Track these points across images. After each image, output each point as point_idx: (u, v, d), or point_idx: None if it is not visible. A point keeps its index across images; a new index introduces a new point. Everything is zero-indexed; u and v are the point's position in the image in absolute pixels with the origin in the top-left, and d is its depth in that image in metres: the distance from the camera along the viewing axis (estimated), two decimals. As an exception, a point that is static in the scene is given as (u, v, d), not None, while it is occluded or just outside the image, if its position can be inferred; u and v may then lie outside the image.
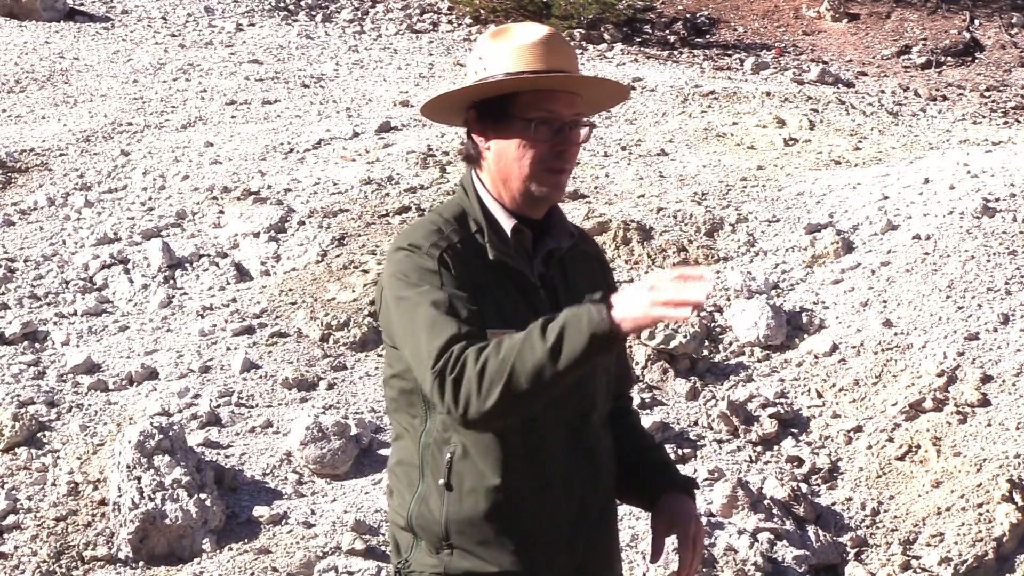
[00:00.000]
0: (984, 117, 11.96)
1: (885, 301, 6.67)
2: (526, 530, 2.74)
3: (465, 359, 2.50)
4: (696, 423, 5.96)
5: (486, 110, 2.73)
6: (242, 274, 7.01)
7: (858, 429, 5.90)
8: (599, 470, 2.84)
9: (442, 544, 2.74)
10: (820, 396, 6.14)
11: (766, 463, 5.75)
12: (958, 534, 5.29)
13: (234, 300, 6.69)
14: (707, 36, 14.79)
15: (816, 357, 6.37)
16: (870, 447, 5.80)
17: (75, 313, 6.50)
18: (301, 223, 7.37)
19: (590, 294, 2.55)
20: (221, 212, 7.60)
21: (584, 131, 2.78)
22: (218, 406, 5.76)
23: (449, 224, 2.72)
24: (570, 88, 2.74)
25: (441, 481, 2.70)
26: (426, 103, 2.83)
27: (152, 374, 6.01)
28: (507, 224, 2.75)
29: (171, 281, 6.86)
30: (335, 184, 7.92)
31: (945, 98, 12.80)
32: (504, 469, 2.69)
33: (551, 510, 2.75)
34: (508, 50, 2.70)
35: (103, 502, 5.02)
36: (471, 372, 2.49)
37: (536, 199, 2.74)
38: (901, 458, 5.74)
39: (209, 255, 7.12)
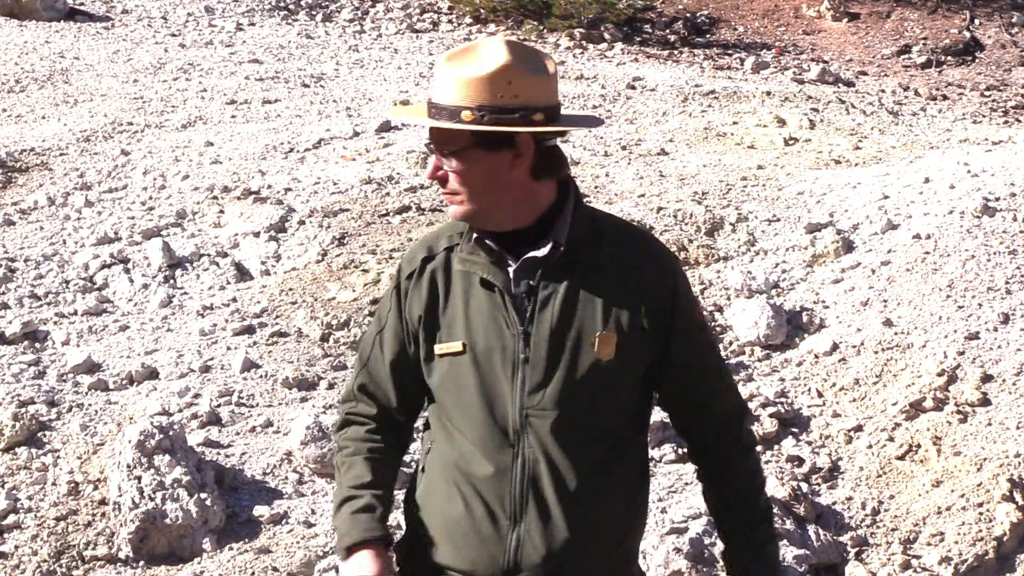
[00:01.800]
0: (984, 116, 11.96)
1: (885, 300, 6.67)
2: (463, 526, 2.85)
3: (339, 439, 3.01)
4: (696, 422, 5.96)
5: None
6: (242, 274, 7.01)
7: (858, 428, 5.90)
8: (539, 486, 2.80)
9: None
10: (820, 395, 6.14)
11: (766, 462, 5.75)
12: (958, 533, 5.29)
13: (234, 300, 6.69)
14: (707, 36, 14.79)
15: (816, 356, 6.37)
16: (870, 446, 5.80)
17: (75, 313, 6.50)
18: (301, 223, 7.37)
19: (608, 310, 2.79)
20: (221, 212, 7.60)
21: (452, 161, 2.78)
22: (218, 406, 5.76)
23: (448, 231, 2.93)
24: (417, 123, 2.99)
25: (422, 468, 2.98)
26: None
27: (152, 374, 6.01)
28: (473, 233, 2.84)
29: (171, 281, 6.86)
30: (335, 184, 7.92)
31: (945, 97, 12.80)
32: (458, 465, 2.84)
33: (489, 512, 2.82)
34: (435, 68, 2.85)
35: (103, 502, 5.02)
36: (335, 450, 3.03)
37: None
38: (901, 457, 5.74)
39: (209, 255, 7.12)
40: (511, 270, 2.80)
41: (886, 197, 7.59)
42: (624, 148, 8.83)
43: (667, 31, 14.68)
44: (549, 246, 2.79)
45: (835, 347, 6.40)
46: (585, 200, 2.91)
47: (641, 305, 2.80)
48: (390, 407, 2.95)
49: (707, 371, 2.92)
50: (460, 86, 2.73)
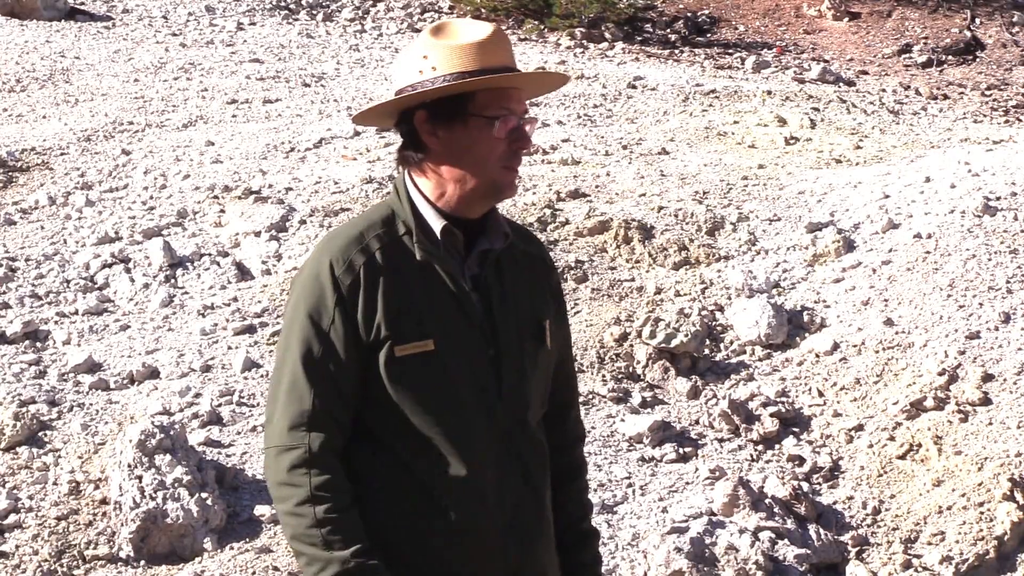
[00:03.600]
0: (985, 116, 11.96)
1: (886, 300, 6.66)
2: (454, 535, 2.71)
3: (298, 487, 2.61)
4: (697, 422, 5.96)
5: (438, 110, 2.68)
6: (243, 273, 7.01)
7: (859, 428, 5.90)
8: (531, 475, 2.79)
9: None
10: (821, 395, 6.13)
11: (767, 462, 5.75)
12: (959, 533, 5.29)
13: (235, 299, 6.69)
14: (708, 35, 14.79)
15: (817, 356, 6.37)
16: (871, 446, 5.80)
17: (76, 312, 6.51)
18: (302, 222, 7.37)
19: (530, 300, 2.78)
20: (222, 211, 7.60)
21: (529, 127, 2.76)
22: (219, 405, 5.76)
23: (373, 229, 2.71)
24: (519, 84, 2.74)
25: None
26: (362, 112, 2.82)
27: (153, 373, 6.01)
28: (437, 225, 2.71)
29: (172, 280, 6.86)
30: (336, 183, 7.92)
31: (946, 97, 12.80)
32: (433, 472, 2.69)
33: (482, 516, 2.72)
34: (456, 49, 2.67)
35: (104, 501, 5.02)
36: (289, 506, 2.63)
37: (496, 196, 2.74)
38: (902, 457, 5.73)
39: (210, 254, 7.12)
40: (466, 262, 2.75)
41: (887, 196, 7.59)
42: (625, 147, 8.83)
43: (668, 30, 14.69)
44: (502, 237, 2.77)
45: (836, 346, 6.40)
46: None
47: (550, 297, 2.90)
48: (344, 427, 2.68)
49: (570, 366, 3.01)
50: (510, 50, 2.75)
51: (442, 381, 2.68)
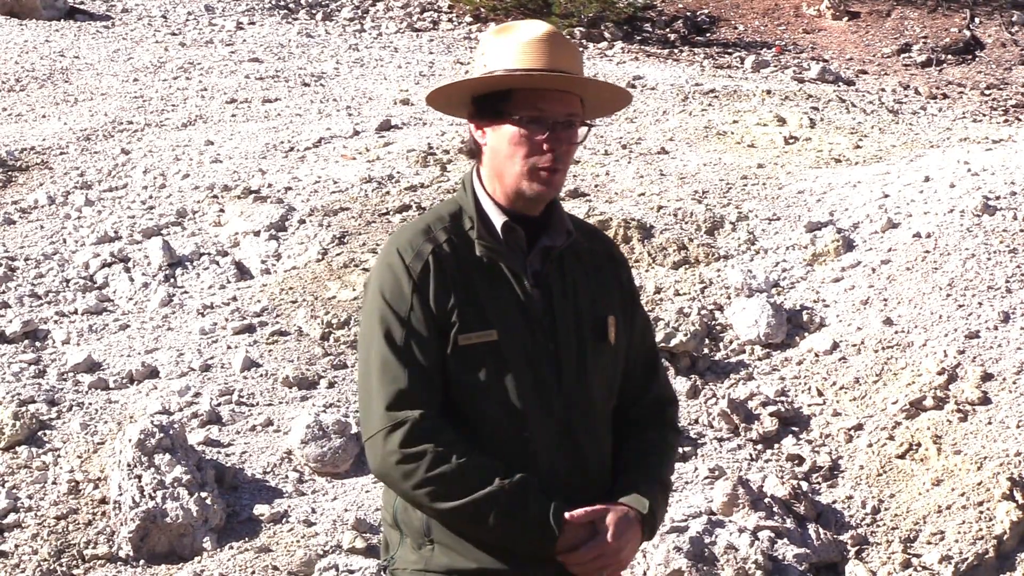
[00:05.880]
0: (984, 115, 11.96)
1: (886, 299, 6.67)
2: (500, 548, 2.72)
3: (421, 455, 2.63)
4: (696, 421, 5.97)
5: (483, 106, 2.74)
6: (243, 273, 7.01)
7: (859, 427, 5.90)
8: (587, 467, 2.81)
9: (424, 540, 2.76)
10: (821, 394, 6.14)
11: (767, 461, 5.75)
12: (959, 532, 5.29)
13: (235, 299, 6.69)
14: (707, 34, 14.79)
15: (817, 355, 6.37)
16: (871, 445, 5.80)
17: (75, 312, 6.50)
18: (301, 221, 7.37)
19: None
20: (221, 211, 7.59)
21: (582, 131, 2.77)
22: (219, 405, 5.76)
23: (441, 222, 2.77)
24: (564, 88, 2.74)
25: None
26: (431, 92, 2.85)
27: (153, 373, 6.01)
28: (498, 221, 2.76)
29: (171, 280, 6.86)
30: (335, 182, 7.92)
31: (945, 96, 12.80)
32: None
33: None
34: (508, 46, 2.71)
35: (104, 501, 5.02)
36: (421, 476, 2.64)
37: (527, 198, 2.76)
38: (902, 456, 5.74)
39: (209, 254, 7.12)
40: (528, 258, 2.79)
41: (886, 196, 7.59)
42: (624, 147, 8.83)
43: (667, 30, 14.69)
44: (564, 235, 2.80)
45: (835, 346, 6.40)
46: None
47: (619, 292, 2.91)
48: (437, 406, 2.71)
49: (656, 358, 3.03)
50: (576, 56, 2.75)
51: (503, 373, 2.72)
